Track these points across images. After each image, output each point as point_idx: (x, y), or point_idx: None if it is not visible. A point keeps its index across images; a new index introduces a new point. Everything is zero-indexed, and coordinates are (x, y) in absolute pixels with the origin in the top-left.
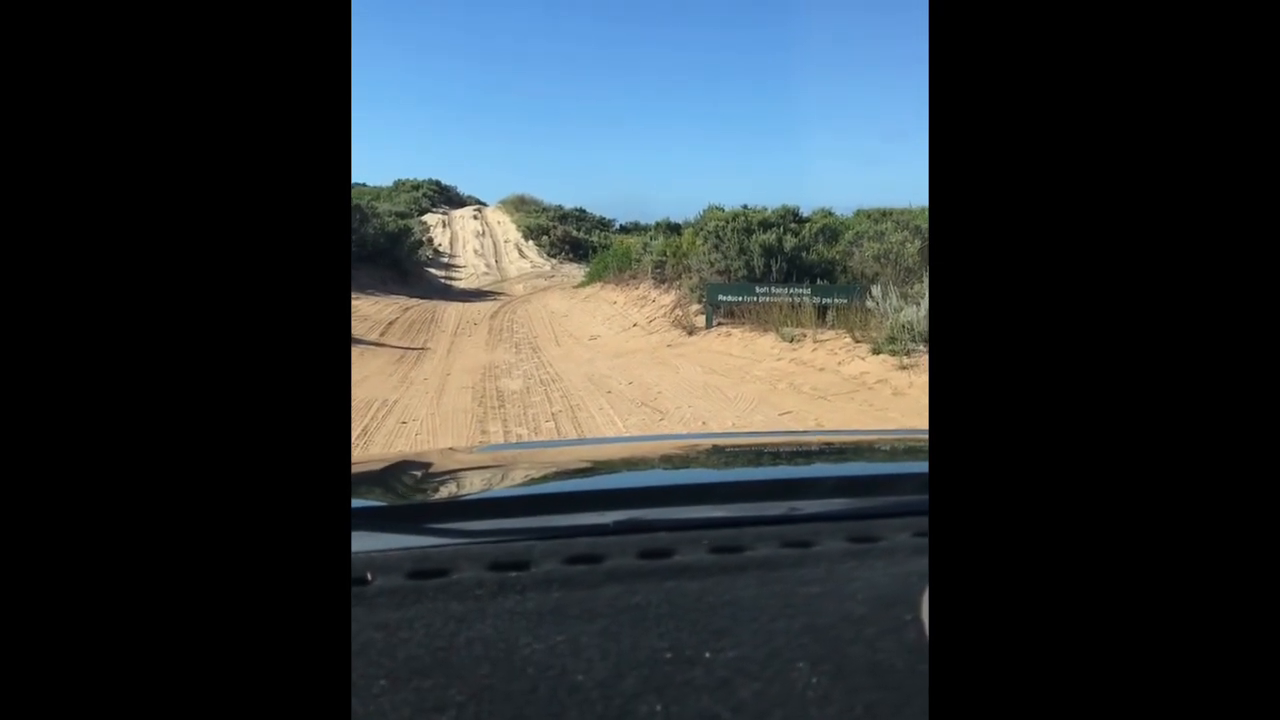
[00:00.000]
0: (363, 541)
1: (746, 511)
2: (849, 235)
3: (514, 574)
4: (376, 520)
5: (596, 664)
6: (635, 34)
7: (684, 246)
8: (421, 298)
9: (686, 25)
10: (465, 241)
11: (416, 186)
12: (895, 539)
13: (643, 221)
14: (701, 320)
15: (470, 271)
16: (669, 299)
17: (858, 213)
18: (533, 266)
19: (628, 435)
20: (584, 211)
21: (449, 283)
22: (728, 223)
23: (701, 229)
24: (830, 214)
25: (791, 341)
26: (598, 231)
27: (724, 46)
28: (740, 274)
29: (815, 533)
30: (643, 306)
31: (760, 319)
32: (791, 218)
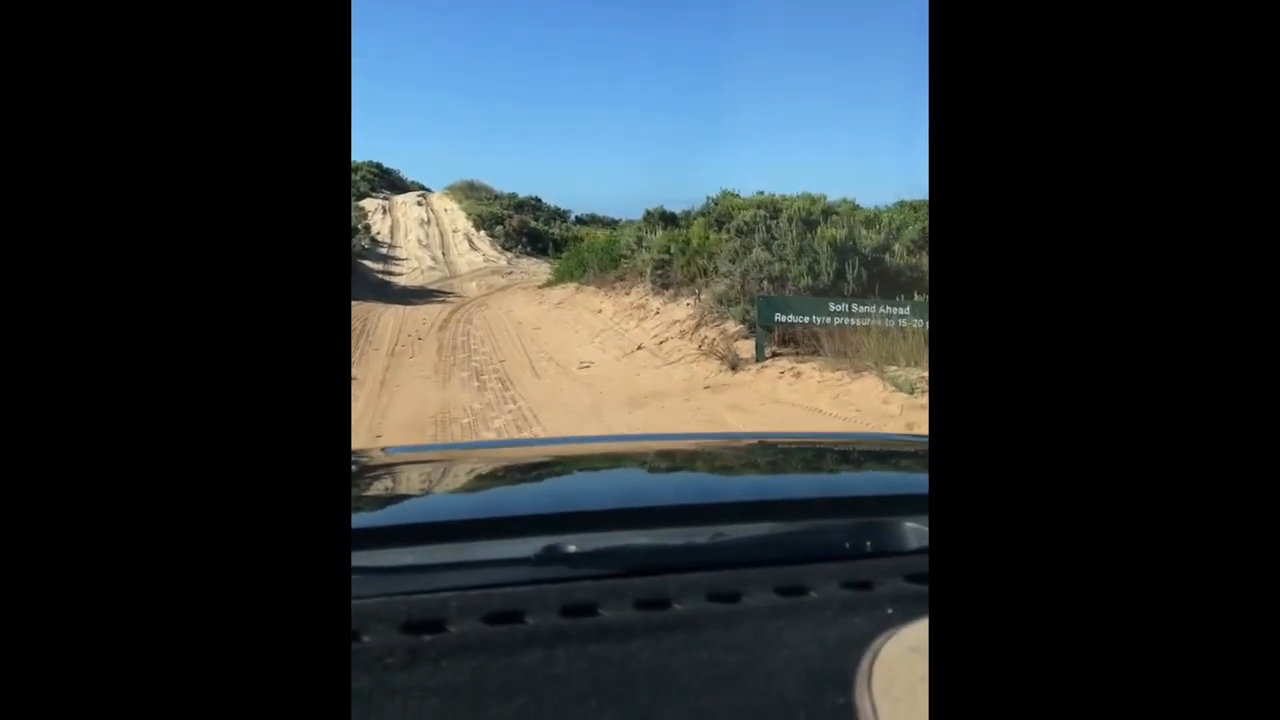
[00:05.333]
0: None
1: (671, 539)
2: (909, 231)
3: (427, 638)
4: None
5: None
6: (593, 16)
7: (696, 242)
8: (351, 298)
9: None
10: (408, 230)
11: (354, 169)
12: (825, 591)
13: (600, 214)
14: (747, 347)
15: (413, 265)
16: (681, 311)
17: (900, 204)
18: (485, 261)
19: (548, 437)
20: (540, 201)
21: (387, 278)
22: (774, 211)
23: (723, 220)
24: (856, 207)
25: (912, 392)
26: (555, 222)
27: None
28: (802, 282)
29: (743, 582)
30: (642, 319)
31: (839, 349)
32: (849, 208)
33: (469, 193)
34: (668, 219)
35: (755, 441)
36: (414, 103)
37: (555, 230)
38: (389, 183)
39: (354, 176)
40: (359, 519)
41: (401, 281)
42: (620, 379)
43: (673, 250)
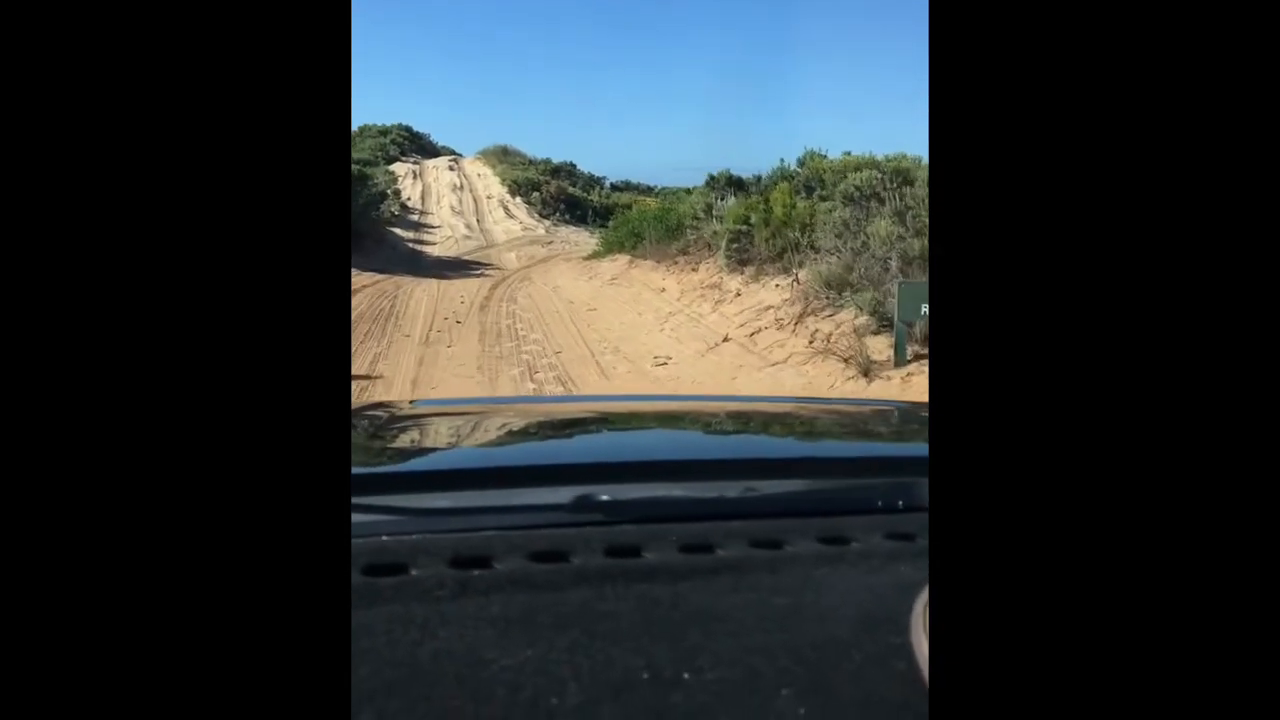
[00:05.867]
0: None
1: (709, 492)
2: None
3: (476, 573)
4: None
5: (570, 686)
6: None
7: (781, 211)
8: (379, 271)
9: None
10: (440, 196)
11: (384, 132)
12: (869, 542)
13: (635, 180)
14: (879, 346)
15: (447, 234)
16: (770, 295)
17: None
18: (523, 229)
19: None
20: (574, 166)
21: (419, 248)
22: (903, 177)
23: (811, 186)
24: None
25: None
26: (593, 189)
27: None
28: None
29: (784, 531)
30: (719, 302)
31: None
32: None
33: (502, 157)
34: (735, 184)
35: (792, 405)
36: (443, 66)
37: (594, 197)
38: (419, 147)
39: (384, 140)
40: (391, 466)
41: (434, 252)
42: (712, 383)
43: (753, 220)
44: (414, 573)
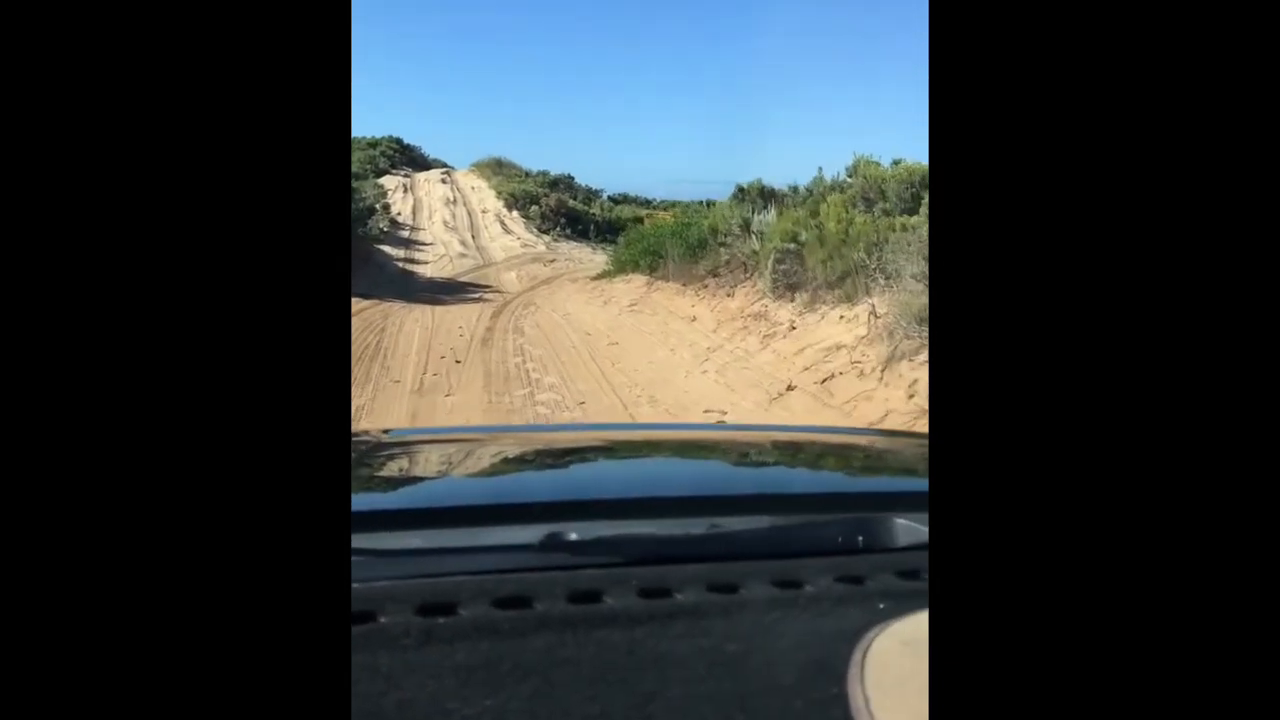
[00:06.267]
0: None
1: (673, 529)
2: None
3: (441, 620)
4: None
5: None
6: None
7: (835, 227)
8: (365, 296)
9: None
10: (432, 211)
11: (374, 144)
12: (820, 585)
13: (633, 194)
14: None
15: (440, 252)
16: (835, 329)
17: None
18: (522, 245)
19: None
20: (572, 179)
21: (410, 267)
22: None
23: (871, 199)
24: None
25: None
26: (594, 202)
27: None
28: None
29: (741, 574)
30: (768, 336)
31: None
32: None
33: (497, 170)
34: (768, 196)
35: (761, 434)
36: (435, 78)
37: (595, 210)
38: (410, 159)
39: (373, 152)
40: (369, 500)
41: (427, 272)
42: None
43: (804, 238)
44: (382, 620)
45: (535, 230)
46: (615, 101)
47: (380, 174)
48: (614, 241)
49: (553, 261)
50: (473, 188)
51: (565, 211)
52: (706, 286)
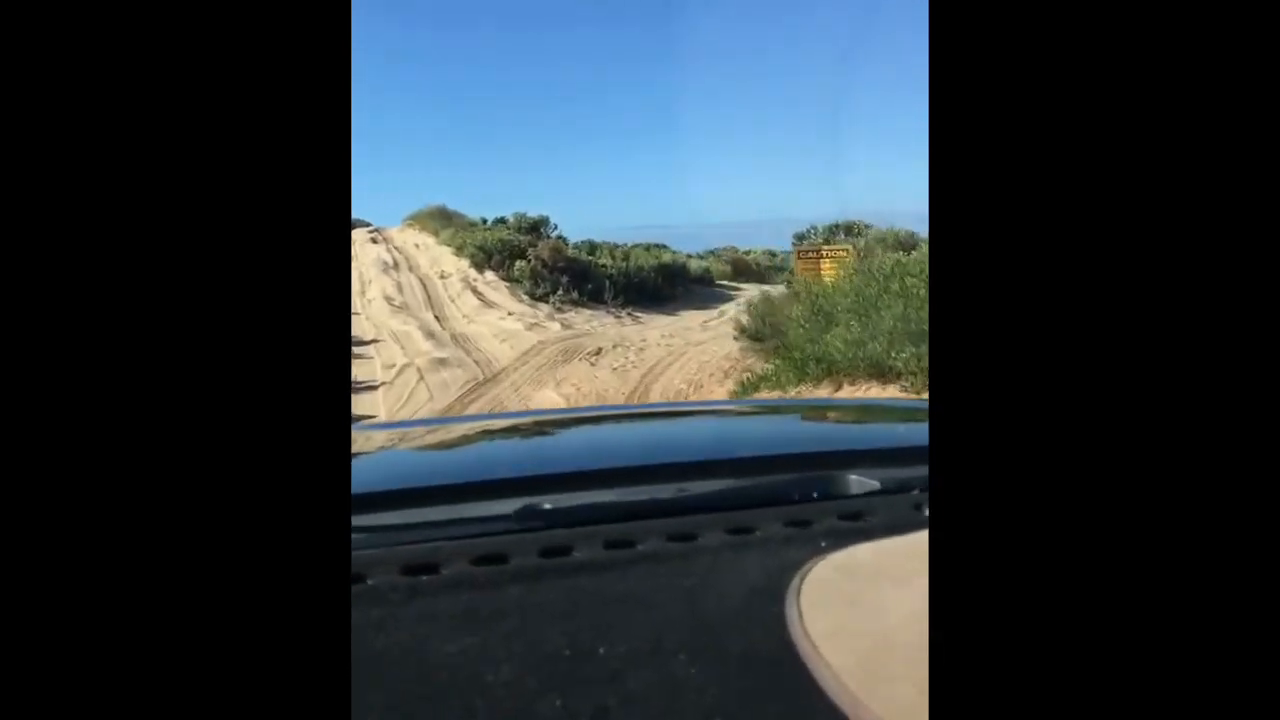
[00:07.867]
0: None
1: (638, 495)
2: None
3: (425, 578)
4: None
5: (504, 665)
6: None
7: None
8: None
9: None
10: (367, 283)
11: None
12: (769, 530)
13: (597, 240)
14: None
15: (393, 357)
16: None
17: None
18: (522, 323)
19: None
20: (549, 221)
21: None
22: None
23: None
24: None
25: None
26: (598, 250)
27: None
28: None
29: (699, 525)
30: None
31: None
32: None
33: (444, 221)
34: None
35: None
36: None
37: (606, 260)
38: None
39: None
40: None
41: (378, 408)
42: None
43: None
44: (370, 582)
45: (527, 297)
46: (573, 128)
47: None
48: (663, 309)
49: (598, 354)
50: (417, 246)
51: (564, 265)
52: None
